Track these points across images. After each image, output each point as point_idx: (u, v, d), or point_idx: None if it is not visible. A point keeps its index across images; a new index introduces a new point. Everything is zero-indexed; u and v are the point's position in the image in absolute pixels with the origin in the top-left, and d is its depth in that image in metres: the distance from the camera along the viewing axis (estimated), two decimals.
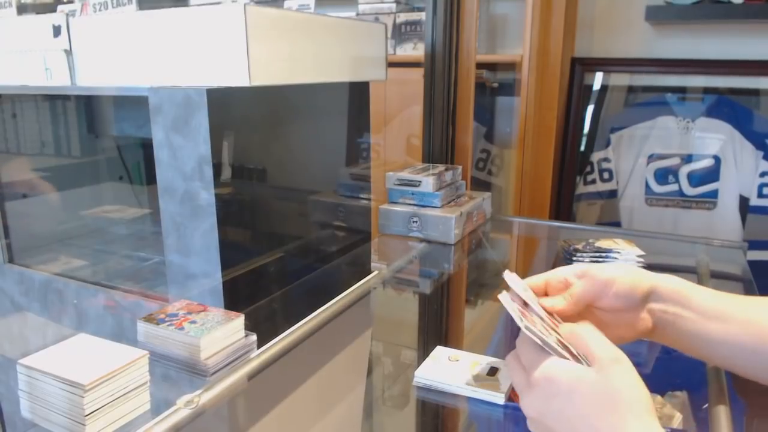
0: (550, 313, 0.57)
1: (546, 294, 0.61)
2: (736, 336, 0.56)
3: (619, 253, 1.13)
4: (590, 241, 1.19)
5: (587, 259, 1.14)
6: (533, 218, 1.70)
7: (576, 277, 0.60)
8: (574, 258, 1.14)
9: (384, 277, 1.12)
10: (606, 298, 0.58)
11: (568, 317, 0.58)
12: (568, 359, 0.48)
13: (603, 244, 1.17)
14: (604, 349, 0.47)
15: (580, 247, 1.17)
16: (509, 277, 0.60)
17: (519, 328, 0.52)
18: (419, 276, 1.21)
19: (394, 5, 1.90)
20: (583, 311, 0.59)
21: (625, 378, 0.45)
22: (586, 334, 0.49)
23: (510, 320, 0.53)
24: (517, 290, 0.57)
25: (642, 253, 1.13)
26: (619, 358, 0.47)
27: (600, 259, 1.14)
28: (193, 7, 0.89)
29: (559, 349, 0.49)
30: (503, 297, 0.56)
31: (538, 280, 0.62)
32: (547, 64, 1.79)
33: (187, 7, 0.91)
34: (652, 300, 0.58)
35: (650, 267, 1.12)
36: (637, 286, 0.58)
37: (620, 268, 0.59)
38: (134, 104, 1.17)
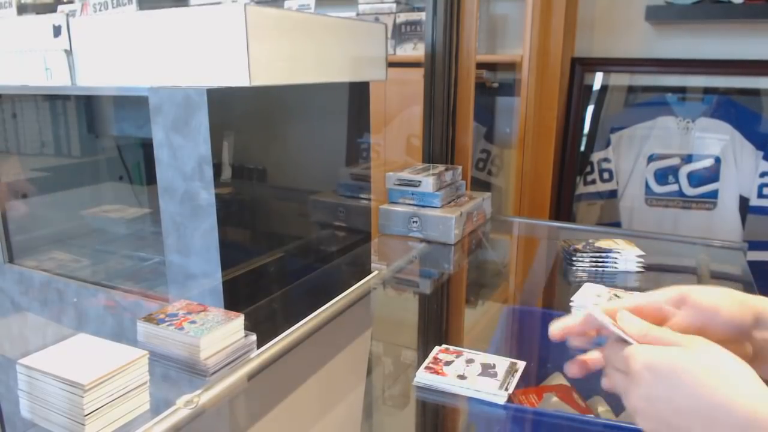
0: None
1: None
2: None
3: (619, 253, 1.13)
4: (590, 241, 1.19)
5: (587, 260, 1.14)
6: (533, 218, 1.70)
7: (673, 305, 0.54)
8: (574, 258, 1.14)
9: (384, 277, 1.12)
10: (712, 327, 0.52)
11: None
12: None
13: (603, 244, 1.18)
14: (684, 335, 0.48)
15: (579, 247, 1.17)
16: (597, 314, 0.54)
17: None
18: (419, 276, 1.21)
19: (394, 5, 1.90)
20: None
21: (722, 351, 0.45)
22: (659, 331, 0.49)
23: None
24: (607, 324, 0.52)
25: (642, 253, 1.13)
26: (709, 341, 0.47)
27: (600, 260, 1.14)
28: (193, 7, 0.89)
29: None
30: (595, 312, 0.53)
31: (629, 305, 0.55)
32: (547, 64, 1.79)
33: (187, 7, 0.91)
34: (757, 327, 0.53)
35: (650, 267, 1.13)
36: (743, 313, 0.53)
37: (722, 292, 0.54)
38: (134, 104, 1.17)
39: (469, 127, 1.51)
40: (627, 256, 1.13)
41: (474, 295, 1.20)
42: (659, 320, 0.54)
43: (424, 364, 0.77)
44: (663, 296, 0.55)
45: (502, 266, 1.34)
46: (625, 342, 0.50)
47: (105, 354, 0.63)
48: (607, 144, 1.93)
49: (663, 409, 0.46)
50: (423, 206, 1.29)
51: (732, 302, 0.53)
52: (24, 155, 1.28)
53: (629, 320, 0.51)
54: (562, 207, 1.99)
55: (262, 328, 0.79)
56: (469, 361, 0.77)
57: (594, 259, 1.14)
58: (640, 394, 0.47)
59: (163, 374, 0.70)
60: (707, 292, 0.54)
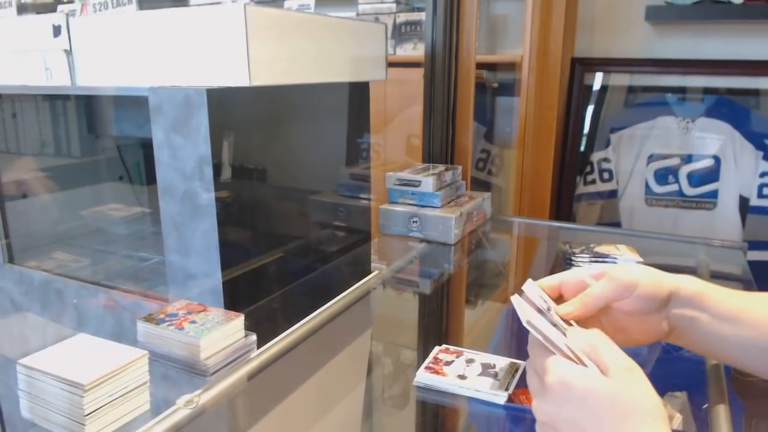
0: (566, 321, 0.55)
1: (561, 295, 0.60)
2: (747, 338, 0.56)
3: (616, 258, 1.13)
4: (590, 246, 1.19)
5: (587, 262, 1.14)
6: (533, 218, 1.70)
7: (593, 279, 0.58)
8: (573, 259, 1.14)
9: (384, 277, 1.12)
10: (627, 301, 0.57)
11: (584, 320, 0.56)
12: (572, 359, 0.48)
13: (603, 249, 1.17)
14: (617, 357, 0.47)
15: (577, 251, 1.17)
16: (528, 286, 0.58)
17: (528, 332, 0.51)
18: (419, 276, 1.21)
19: (394, 5, 1.90)
20: (600, 313, 0.58)
21: (639, 386, 0.46)
22: (598, 342, 0.49)
23: (518, 323, 0.53)
24: (534, 298, 0.55)
25: (640, 259, 1.12)
26: (633, 367, 0.47)
27: (599, 261, 1.14)
28: (193, 7, 0.89)
29: (563, 348, 0.49)
30: (515, 298, 0.54)
31: (553, 280, 0.60)
32: (547, 64, 1.79)
33: (187, 7, 0.91)
34: (672, 304, 0.57)
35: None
36: (659, 289, 0.57)
37: (641, 270, 0.58)
38: (134, 104, 1.17)
39: (469, 127, 1.51)
40: (626, 258, 1.12)
41: (474, 295, 1.20)
42: (580, 292, 0.58)
43: (424, 364, 0.77)
44: (586, 271, 0.59)
45: (502, 266, 1.34)
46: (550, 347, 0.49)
47: (105, 354, 0.63)
48: (607, 144, 1.93)
49: (562, 430, 0.46)
50: (423, 206, 1.29)
51: (649, 280, 0.57)
52: (24, 155, 1.28)
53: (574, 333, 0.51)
54: (562, 207, 1.99)
55: (262, 328, 0.79)
56: (469, 361, 0.77)
57: (594, 262, 1.14)
58: (546, 409, 0.48)
59: (163, 374, 0.70)
60: (627, 269, 0.58)
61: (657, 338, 0.59)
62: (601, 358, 0.48)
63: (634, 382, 0.46)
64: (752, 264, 1.15)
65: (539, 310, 0.54)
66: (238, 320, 0.74)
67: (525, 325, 0.51)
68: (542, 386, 0.48)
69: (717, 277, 1.13)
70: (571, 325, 0.54)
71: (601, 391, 0.45)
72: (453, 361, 0.77)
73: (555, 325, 0.52)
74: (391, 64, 1.20)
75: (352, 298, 1.00)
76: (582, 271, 0.60)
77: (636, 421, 0.44)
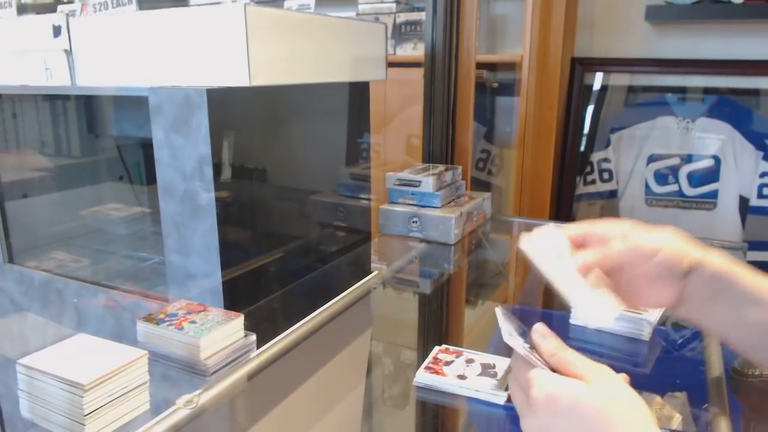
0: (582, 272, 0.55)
1: (583, 246, 0.59)
2: None
3: None
4: None
5: None
6: (533, 218, 1.70)
7: (618, 238, 0.57)
8: None
9: (384, 277, 1.12)
10: (646, 266, 0.55)
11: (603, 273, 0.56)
12: (546, 370, 0.49)
13: None
14: (591, 365, 0.48)
15: None
16: (545, 231, 0.57)
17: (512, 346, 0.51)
18: (419, 276, 1.21)
19: (394, 5, 1.90)
20: (617, 270, 0.57)
21: (621, 389, 0.46)
22: (569, 355, 0.50)
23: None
24: (510, 319, 0.55)
25: None
26: (607, 369, 0.48)
27: None
28: (193, 7, 0.89)
29: (539, 362, 0.49)
30: (498, 311, 0.55)
31: (579, 230, 0.59)
32: (547, 64, 1.79)
33: (187, 7, 0.91)
34: (694, 275, 0.56)
35: None
36: (679, 261, 0.55)
37: (667, 237, 0.56)
38: (134, 104, 1.17)
39: (469, 127, 1.51)
40: None
41: (474, 295, 1.20)
42: (601, 245, 0.57)
43: (424, 364, 0.77)
44: (611, 230, 0.58)
45: (502, 266, 1.34)
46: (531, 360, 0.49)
47: (105, 354, 0.63)
48: (607, 144, 1.93)
49: None
50: (423, 206, 1.29)
51: (671, 249, 0.55)
52: (24, 155, 1.28)
53: (543, 335, 0.52)
54: (562, 207, 1.99)
55: (262, 328, 0.79)
56: (469, 361, 0.77)
57: None
58: (535, 424, 0.48)
59: (163, 374, 0.70)
60: (653, 235, 0.56)
61: (666, 306, 0.58)
62: (576, 369, 0.48)
63: (616, 386, 0.46)
64: (752, 264, 1.15)
65: (519, 329, 0.54)
66: (238, 320, 0.74)
67: (506, 339, 0.51)
68: (528, 401, 0.48)
69: None
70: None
71: (587, 399, 0.45)
72: (453, 361, 0.77)
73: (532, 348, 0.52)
74: (391, 64, 1.20)
75: (352, 298, 1.01)
76: (610, 227, 0.59)
77: (625, 424, 0.44)
